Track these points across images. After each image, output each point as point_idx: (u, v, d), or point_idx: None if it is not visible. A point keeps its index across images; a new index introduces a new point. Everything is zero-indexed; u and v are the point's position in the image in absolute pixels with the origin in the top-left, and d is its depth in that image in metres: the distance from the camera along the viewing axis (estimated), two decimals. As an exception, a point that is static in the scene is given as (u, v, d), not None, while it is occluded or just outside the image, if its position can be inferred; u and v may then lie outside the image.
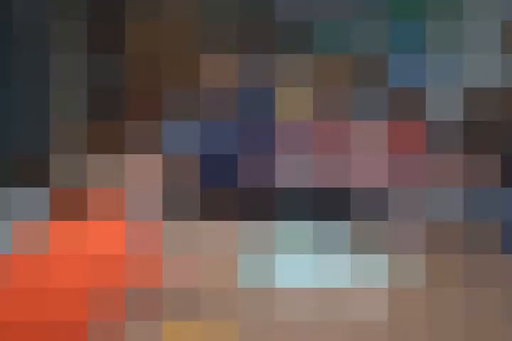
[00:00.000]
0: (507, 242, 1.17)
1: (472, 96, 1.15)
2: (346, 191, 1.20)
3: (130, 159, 1.11)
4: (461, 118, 1.16)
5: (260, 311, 1.12)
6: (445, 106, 1.15)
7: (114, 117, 1.11)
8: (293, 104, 1.17)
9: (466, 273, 1.15)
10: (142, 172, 1.12)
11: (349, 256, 1.15)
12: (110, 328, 1.08)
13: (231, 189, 1.19)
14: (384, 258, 1.14)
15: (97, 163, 1.11)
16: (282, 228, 1.17)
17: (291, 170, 1.23)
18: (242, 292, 1.12)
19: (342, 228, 1.17)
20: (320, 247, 1.21)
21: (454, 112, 1.16)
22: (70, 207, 1.10)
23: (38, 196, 1.10)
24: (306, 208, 1.31)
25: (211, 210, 1.14)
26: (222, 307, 1.11)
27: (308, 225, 1.19)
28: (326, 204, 1.33)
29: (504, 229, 1.17)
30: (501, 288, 1.14)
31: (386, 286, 1.13)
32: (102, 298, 1.09)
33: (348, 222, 1.18)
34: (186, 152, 1.17)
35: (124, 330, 1.09)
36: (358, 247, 1.15)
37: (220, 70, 1.15)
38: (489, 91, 1.14)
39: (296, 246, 1.18)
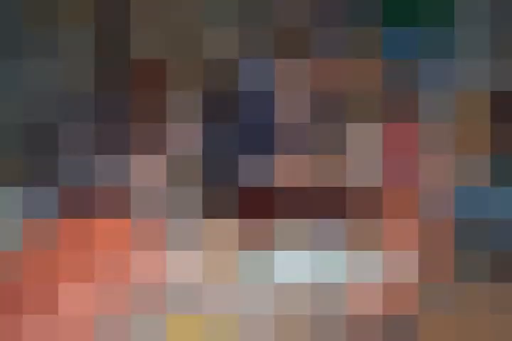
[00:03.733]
0: (495, 240, 1.21)
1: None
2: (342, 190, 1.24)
3: (136, 159, 1.16)
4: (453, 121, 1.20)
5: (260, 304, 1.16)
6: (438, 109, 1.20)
7: (120, 119, 1.16)
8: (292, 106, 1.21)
9: (457, 269, 1.19)
10: (147, 172, 1.16)
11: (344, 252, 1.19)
12: (116, 321, 1.13)
13: (232, 188, 1.23)
14: (379, 254, 1.18)
15: (104, 163, 1.16)
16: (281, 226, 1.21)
17: (290, 170, 1.28)
18: (243, 287, 1.16)
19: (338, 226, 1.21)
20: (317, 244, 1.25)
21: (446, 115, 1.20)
22: (78, 205, 1.15)
23: (48, 195, 1.15)
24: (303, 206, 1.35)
25: (213, 209, 1.18)
26: (223, 302, 1.15)
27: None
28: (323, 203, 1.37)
29: (492, 226, 1.21)
30: (491, 283, 1.18)
31: (381, 282, 1.17)
32: (109, 292, 1.13)
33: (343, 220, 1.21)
34: (189, 153, 1.21)
35: (130, 323, 1.13)
36: (353, 244, 1.19)
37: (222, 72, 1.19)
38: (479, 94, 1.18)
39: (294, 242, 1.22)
